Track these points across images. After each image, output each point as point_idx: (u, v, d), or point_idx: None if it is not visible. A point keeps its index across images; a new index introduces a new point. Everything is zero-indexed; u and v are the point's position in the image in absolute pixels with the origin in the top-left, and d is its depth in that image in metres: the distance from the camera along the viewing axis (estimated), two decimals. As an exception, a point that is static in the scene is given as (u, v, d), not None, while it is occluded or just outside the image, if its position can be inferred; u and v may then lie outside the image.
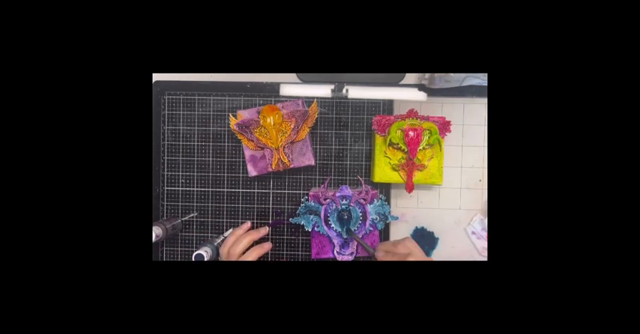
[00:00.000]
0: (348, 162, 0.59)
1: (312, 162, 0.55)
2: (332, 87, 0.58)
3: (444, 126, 0.52)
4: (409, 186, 0.53)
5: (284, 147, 0.54)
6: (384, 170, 0.54)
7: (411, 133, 0.52)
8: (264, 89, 0.59)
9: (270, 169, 0.54)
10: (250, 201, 0.59)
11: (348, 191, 0.53)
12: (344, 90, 0.58)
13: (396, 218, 0.55)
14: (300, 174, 0.59)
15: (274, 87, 0.58)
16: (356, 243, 0.52)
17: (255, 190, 0.59)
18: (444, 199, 0.58)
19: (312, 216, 0.54)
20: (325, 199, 0.52)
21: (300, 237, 0.59)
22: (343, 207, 0.52)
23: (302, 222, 0.54)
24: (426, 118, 0.53)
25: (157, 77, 0.59)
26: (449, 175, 0.57)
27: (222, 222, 0.59)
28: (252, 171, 0.55)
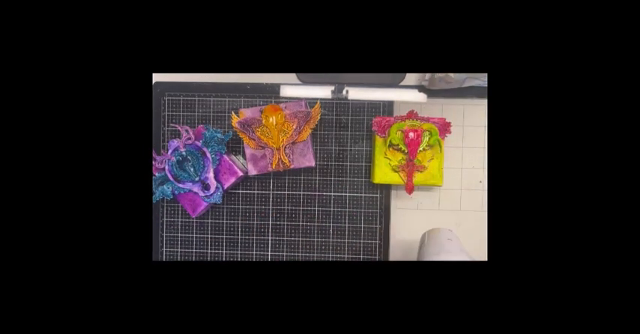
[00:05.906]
0: (348, 164, 0.59)
1: (313, 164, 0.55)
2: (332, 88, 0.58)
3: (444, 127, 0.52)
4: (409, 187, 0.53)
5: (285, 148, 0.54)
6: (384, 171, 0.54)
7: (411, 134, 0.52)
8: (264, 90, 0.59)
9: (270, 169, 0.54)
10: (250, 201, 0.59)
11: (174, 142, 0.54)
12: (344, 92, 0.58)
13: (230, 135, 0.55)
14: (301, 175, 0.59)
15: (274, 89, 0.58)
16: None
17: (255, 191, 0.59)
18: (444, 200, 0.58)
19: (165, 185, 0.54)
20: (161, 163, 0.54)
21: (300, 238, 0.59)
22: (178, 158, 0.54)
23: (162, 196, 0.54)
24: (426, 119, 0.53)
25: (157, 78, 0.59)
26: (449, 176, 0.57)
27: (222, 222, 0.59)
28: (252, 170, 0.55)
